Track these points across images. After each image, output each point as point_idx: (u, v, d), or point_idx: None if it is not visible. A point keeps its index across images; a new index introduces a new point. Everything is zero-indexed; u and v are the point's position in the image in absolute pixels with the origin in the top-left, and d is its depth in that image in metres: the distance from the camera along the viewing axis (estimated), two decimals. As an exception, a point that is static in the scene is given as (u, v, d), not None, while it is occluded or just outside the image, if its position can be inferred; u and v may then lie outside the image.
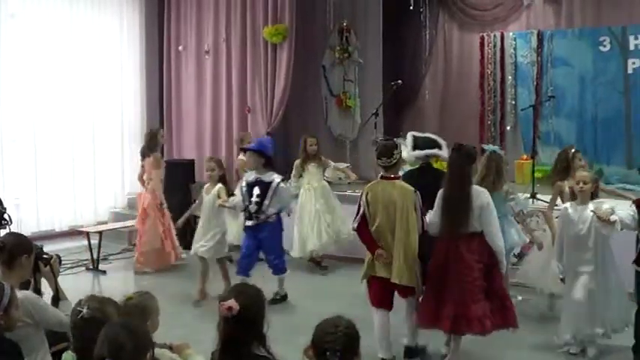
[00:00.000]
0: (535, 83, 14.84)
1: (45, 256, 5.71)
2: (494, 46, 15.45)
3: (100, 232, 12.25)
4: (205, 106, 15.13)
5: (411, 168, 9.25)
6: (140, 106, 15.29)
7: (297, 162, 11.82)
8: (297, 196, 11.66)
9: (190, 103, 15.32)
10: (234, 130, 14.58)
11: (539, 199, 11.28)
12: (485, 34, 15.60)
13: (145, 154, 12.05)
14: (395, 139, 8.14)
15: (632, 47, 13.85)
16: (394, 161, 7.64)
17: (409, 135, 9.16)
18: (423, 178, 8.39)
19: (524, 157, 14.27)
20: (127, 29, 15.02)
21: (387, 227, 7.53)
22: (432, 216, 7.57)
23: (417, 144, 8.90)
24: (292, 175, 11.76)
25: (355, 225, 7.75)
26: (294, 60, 13.96)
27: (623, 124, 13.94)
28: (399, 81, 13.45)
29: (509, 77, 15.25)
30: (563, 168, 9.09)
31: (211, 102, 15.02)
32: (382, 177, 7.70)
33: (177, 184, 13.17)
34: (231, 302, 4.23)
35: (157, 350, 4.66)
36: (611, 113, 14.09)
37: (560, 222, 8.01)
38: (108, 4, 14.82)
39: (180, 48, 15.35)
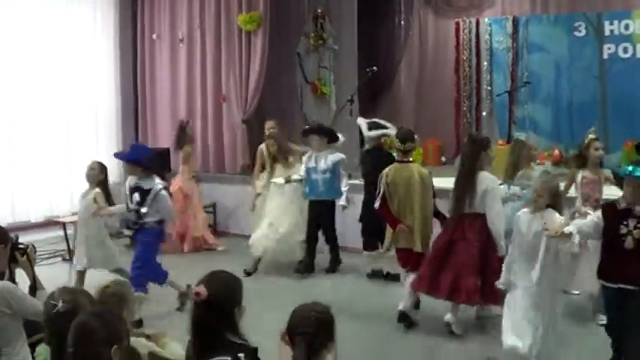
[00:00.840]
0: (510, 69, 14.98)
1: (21, 246, 5.71)
2: (470, 32, 15.57)
3: (76, 222, 12.13)
4: (180, 94, 15.04)
5: (368, 148, 10.85)
6: (115, 95, 15.14)
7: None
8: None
9: (165, 92, 15.22)
10: (209, 119, 14.56)
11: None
12: (460, 20, 15.71)
13: (176, 148, 12.47)
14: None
15: (607, 32, 13.99)
16: (414, 145, 8.98)
17: (361, 120, 11.02)
18: (380, 157, 10.03)
19: (500, 142, 14.23)
20: (101, 18, 14.85)
21: (407, 205, 8.56)
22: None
23: (370, 126, 10.61)
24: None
25: (377, 205, 8.71)
26: (268, 47, 13.90)
27: (598, 109, 14.06)
28: (374, 67, 13.57)
29: (485, 63, 15.39)
30: (577, 156, 8.88)
31: (186, 90, 14.93)
32: (399, 160, 8.76)
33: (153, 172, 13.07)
34: (201, 288, 4.23)
35: (133, 339, 4.69)
36: (587, 98, 14.22)
37: (515, 228, 6.97)
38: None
39: (154, 36, 15.24)
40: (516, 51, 14.90)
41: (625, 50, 13.84)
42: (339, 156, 10.89)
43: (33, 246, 5.87)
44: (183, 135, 12.41)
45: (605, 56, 14.01)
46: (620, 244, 6.46)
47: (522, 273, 6.76)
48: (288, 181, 11.05)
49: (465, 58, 15.60)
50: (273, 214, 11.09)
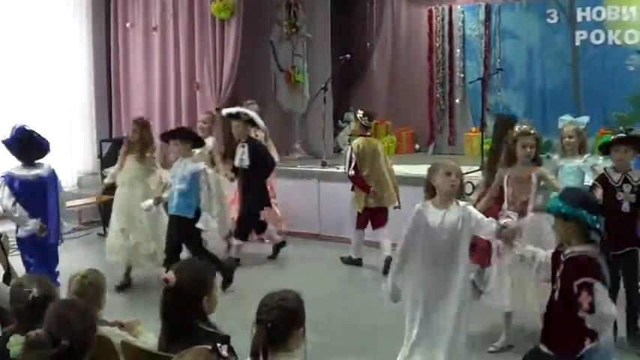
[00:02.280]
0: (483, 56, 14.96)
1: (-7, 235, 5.67)
2: (443, 19, 15.53)
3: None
4: (154, 83, 14.95)
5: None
6: (88, 84, 15.04)
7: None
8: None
9: (139, 81, 15.13)
10: (183, 107, 14.49)
11: (489, 172, 11.26)
12: (433, 8, 15.67)
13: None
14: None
15: (579, 19, 14.00)
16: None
17: (250, 112, 11.15)
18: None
19: (473, 129, 14.48)
20: (74, 6, 14.78)
21: (375, 171, 10.52)
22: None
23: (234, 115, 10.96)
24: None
25: (351, 172, 10.48)
26: (242, 35, 13.82)
27: (571, 96, 14.08)
28: (348, 55, 13.64)
29: (458, 50, 15.36)
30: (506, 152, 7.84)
31: (160, 79, 14.84)
32: (362, 135, 10.68)
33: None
34: (170, 274, 4.34)
35: (107, 328, 4.75)
36: (560, 85, 14.25)
37: (411, 225, 6.34)
38: (53, -20, 14.56)
39: (127, 25, 15.12)
40: (489, 38, 14.90)
41: (597, 37, 13.86)
42: (199, 167, 9.36)
43: (6, 235, 5.83)
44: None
45: (578, 43, 14.03)
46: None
47: (428, 279, 6.27)
48: (158, 202, 9.66)
49: (437, 45, 15.58)
50: (125, 218, 10.02)
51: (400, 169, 11.91)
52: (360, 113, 10.86)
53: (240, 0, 13.72)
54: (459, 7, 15.36)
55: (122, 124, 15.32)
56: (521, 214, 7.06)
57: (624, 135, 7.88)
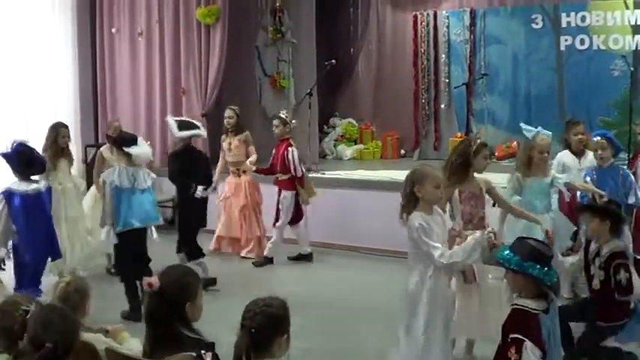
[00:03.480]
0: (468, 61, 14.93)
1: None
2: (428, 24, 15.47)
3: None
4: (139, 88, 14.96)
5: (176, 150, 10.38)
6: (73, 90, 14.88)
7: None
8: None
9: (124, 86, 15.12)
10: (168, 112, 14.14)
11: (473, 177, 11.25)
12: (418, 13, 15.61)
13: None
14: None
15: (564, 24, 14.01)
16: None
17: (171, 119, 10.46)
18: (190, 157, 9.98)
19: (459, 135, 14.29)
20: (59, 11, 14.65)
21: None
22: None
23: (181, 126, 10.12)
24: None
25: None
26: (227, 41, 13.90)
27: (556, 101, 14.12)
28: (333, 60, 13.63)
29: (443, 56, 15.30)
30: (461, 164, 7.17)
31: (145, 84, 14.86)
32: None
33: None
34: (154, 279, 4.32)
35: (91, 335, 4.75)
36: (545, 90, 14.27)
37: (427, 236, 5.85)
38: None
39: (113, 30, 15.12)
40: (474, 43, 14.86)
41: (582, 42, 13.88)
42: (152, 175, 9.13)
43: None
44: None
45: (562, 48, 14.05)
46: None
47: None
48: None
49: (423, 50, 15.53)
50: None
51: (385, 174, 12.17)
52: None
53: (225, 5, 13.79)
54: (444, 12, 15.36)
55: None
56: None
57: (596, 205, 7.50)
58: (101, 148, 10.89)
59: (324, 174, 12.69)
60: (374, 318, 8.29)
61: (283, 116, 11.25)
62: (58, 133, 10.24)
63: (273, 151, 11.23)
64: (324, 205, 11.79)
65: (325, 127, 16.44)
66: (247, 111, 13.37)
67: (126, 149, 8.60)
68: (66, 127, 10.52)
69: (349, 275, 10.71)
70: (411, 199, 5.88)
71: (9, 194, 8.19)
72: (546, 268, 4.95)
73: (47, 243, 8.53)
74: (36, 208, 8.34)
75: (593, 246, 6.93)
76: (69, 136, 10.46)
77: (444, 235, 6.00)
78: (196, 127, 10.28)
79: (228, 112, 11.65)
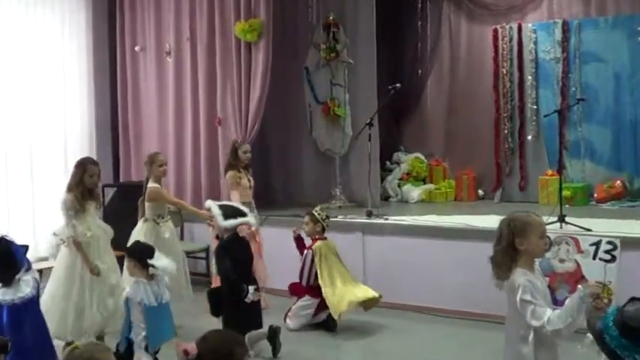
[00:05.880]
0: (560, 83, 14.62)
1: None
2: (511, 40, 15.23)
3: (41, 271, 11.56)
4: (168, 117, 14.85)
5: (223, 241, 9.84)
6: (88, 120, 14.93)
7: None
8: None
9: (150, 115, 15.06)
10: (202, 146, 14.33)
11: (568, 223, 10.90)
12: (499, 27, 15.40)
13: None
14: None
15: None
16: None
17: (213, 205, 9.91)
18: (239, 249, 9.66)
19: (549, 172, 14.12)
20: (70, 28, 14.63)
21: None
22: None
23: (226, 213, 9.74)
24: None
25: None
26: (271, 61, 13.61)
27: (668, 130, 13.82)
28: (398, 84, 13.38)
29: (529, 77, 14.98)
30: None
31: (174, 113, 14.72)
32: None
33: (134, 207, 12.60)
34: (190, 346, 4.42)
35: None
36: (655, 117, 13.98)
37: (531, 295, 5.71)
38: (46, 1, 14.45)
39: (137, 49, 15.11)
40: (567, 62, 14.51)
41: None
42: None
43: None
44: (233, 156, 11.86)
45: (677, 66, 13.74)
46: None
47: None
48: None
49: (505, 71, 15.20)
50: None
51: (460, 220, 11.87)
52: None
53: (269, 20, 13.52)
54: (530, 25, 15.05)
55: (132, 165, 15.29)
56: None
57: None
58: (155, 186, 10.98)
59: (386, 219, 12.37)
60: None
61: (315, 213, 11.03)
62: (85, 170, 10.04)
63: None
64: (386, 258, 11.68)
65: (388, 163, 16.27)
66: (295, 144, 13.11)
67: (150, 262, 8.62)
68: (96, 164, 10.33)
69: (419, 342, 10.36)
70: (511, 254, 5.72)
71: None
72: None
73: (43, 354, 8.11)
74: (28, 319, 7.83)
75: None
76: (99, 175, 10.25)
77: (548, 295, 5.89)
78: (244, 213, 9.96)
79: (248, 147, 11.90)
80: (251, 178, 11.81)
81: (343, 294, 10.56)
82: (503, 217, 5.91)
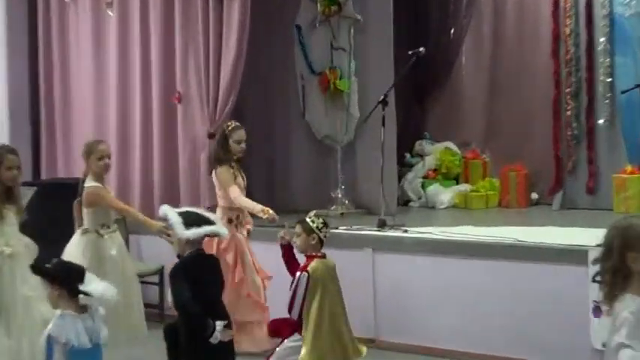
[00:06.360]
0: (644, 50, 14.34)
1: None
2: (576, -8, 14.95)
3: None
4: (108, 92, 14.76)
5: (179, 262, 9.55)
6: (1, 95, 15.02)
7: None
8: None
9: (84, 89, 14.99)
10: (154, 132, 14.25)
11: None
12: (560, -26, 15.14)
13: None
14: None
15: None
16: None
17: (169, 210, 9.61)
18: (204, 271, 9.37)
19: (629, 168, 13.88)
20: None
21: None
22: None
23: (187, 221, 9.40)
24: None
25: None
26: (250, 16, 13.38)
27: None
28: (421, 48, 13.12)
29: (602, 39, 14.70)
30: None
31: (117, 86, 14.62)
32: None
33: (63, 213, 12.23)
34: None
35: None
36: None
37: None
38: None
39: (65, -3, 15.12)
40: (655, 18, 14.31)
41: None
42: None
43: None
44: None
45: None
46: None
47: None
48: None
49: (568, 32, 14.96)
50: None
51: (506, 233, 11.65)
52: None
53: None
54: (602, -29, 14.76)
55: (58, 159, 15.28)
56: None
57: None
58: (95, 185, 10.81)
59: (405, 232, 12.15)
60: None
61: (309, 221, 10.48)
62: (1, 162, 9.73)
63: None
64: (404, 284, 11.63)
65: (408, 155, 16.31)
66: (282, 130, 13.08)
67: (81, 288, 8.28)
68: (15, 153, 10.00)
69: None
70: (625, 272, 5.65)
71: None
72: None
73: None
74: None
75: None
76: (19, 169, 9.97)
77: None
78: (210, 221, 9.63)
79: (243, 134, 11.57)
80: (244, 176, 11.75)
81: (325, 350, 9.94)
82: (612, 224, 5.82)
